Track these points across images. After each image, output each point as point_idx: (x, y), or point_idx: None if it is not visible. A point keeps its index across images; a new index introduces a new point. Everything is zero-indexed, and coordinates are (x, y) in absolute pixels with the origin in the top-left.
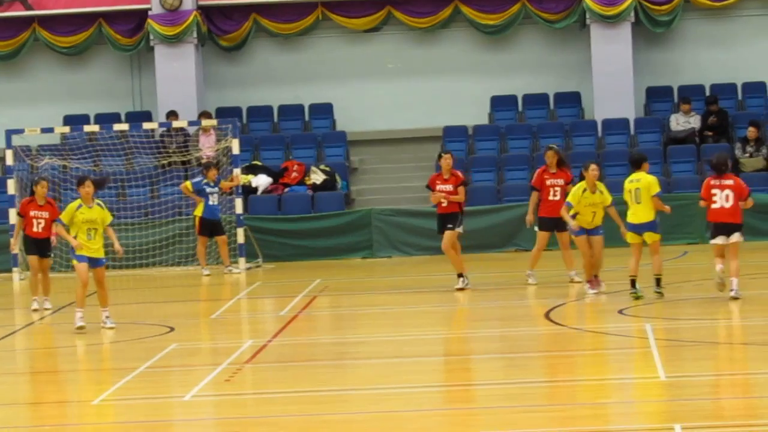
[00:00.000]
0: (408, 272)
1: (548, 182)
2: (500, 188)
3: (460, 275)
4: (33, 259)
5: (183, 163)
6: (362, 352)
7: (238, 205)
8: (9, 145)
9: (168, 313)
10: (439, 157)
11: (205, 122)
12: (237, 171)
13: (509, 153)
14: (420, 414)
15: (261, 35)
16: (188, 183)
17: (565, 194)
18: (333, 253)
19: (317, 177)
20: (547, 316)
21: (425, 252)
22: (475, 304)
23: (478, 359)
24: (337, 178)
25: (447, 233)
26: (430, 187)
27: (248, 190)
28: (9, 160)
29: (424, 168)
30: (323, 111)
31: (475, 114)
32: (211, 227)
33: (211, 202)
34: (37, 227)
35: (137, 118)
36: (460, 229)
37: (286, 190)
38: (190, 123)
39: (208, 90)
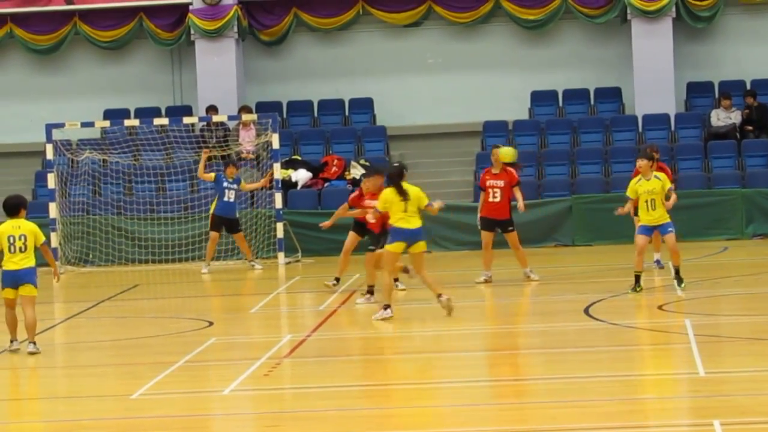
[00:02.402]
0: (447, 267)
1: (488, 183)
2: (540, 183)
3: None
4: None
5: (223, 157)
6: (402, 347)
7: (278, 199)
8: (49, 139)
9: (207, 307)
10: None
11: (245, 117)
12: (276, 166)
13: (549, 148)
14: (460, 409)
15: (301, 30)
16: (213, 174)
17: (507, 196)
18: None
19: (357, 172)
20: (586, 311)
21: (464, 247)
22: (514, 299)
23: (517, 354)
24: None
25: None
26: (353, 206)
27: (288, 185)
28: (49, 154)
29: (463, 163)
30: (363, 105)
31: (515, 109)
32: (225, 224)
33: (226, 198)
34: None
35: (177, 112)
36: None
37: (326, 184)
38: (230, 117)
39: (248, 84)
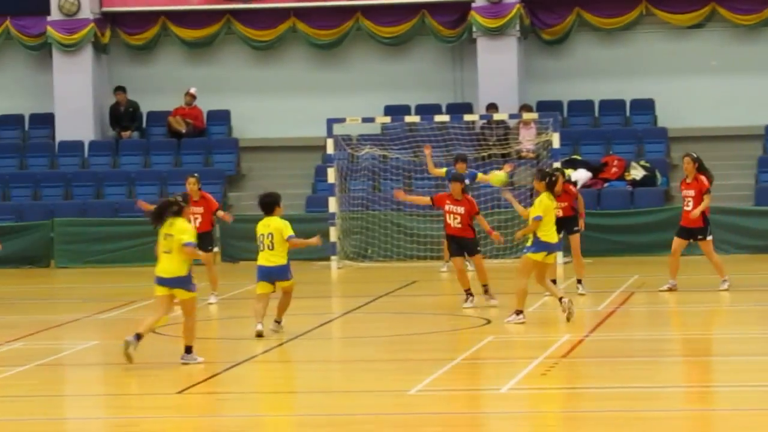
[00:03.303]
0: (727, 270)
1: (683, 192)
2: None
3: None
4: None
5: (503, 155)
6: (679, 349)
7: None
8: (330, 134)
9: (484, 305)
10: (458, 180)
11: (525, 115)
12: (557, 165)
13: None
14: (734, 413)
15: (583, 29)
16: (443, 169)
17: (698, 203)
18: (651, 249)
19: (637, 173)
20: None
21: (745, 250)
22: None
23: None
24: (657, 174)
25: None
26: (437, 204)
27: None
28: (329, 149)
29: (744, 166)
30: (644, 106)
31: None
32: None
33: None
34: (194, 223)
35: (457, 109)
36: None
37: (605, 184)
38: (511, 116)
39: (528, 83)
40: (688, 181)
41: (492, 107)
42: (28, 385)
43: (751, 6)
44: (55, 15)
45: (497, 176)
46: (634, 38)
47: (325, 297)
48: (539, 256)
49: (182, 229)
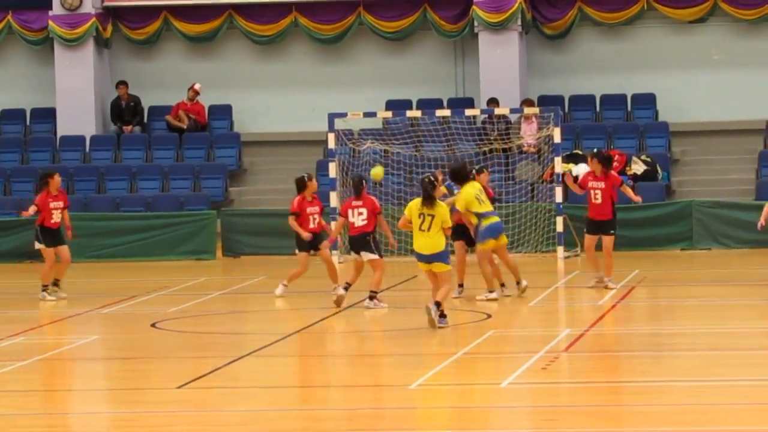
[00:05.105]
0: (728, 265)
1: (590, 184)
2: None
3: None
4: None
5: (504, 150)
6: (680, 344)
7: (558, 193)
8: (331, 129)
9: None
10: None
11: (527, 110)
12: (557, 159)
13: None
14: (738, 407)
15: (585, 24)
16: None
17: (607, 197)
18: (652, 243)
19: (638, 167)
20: None
21: (746, 245)
22: None
23: None
24: (659, 168)
25: None
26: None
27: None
28: (331, 144)
29: (746, 161)
30: (646, 101)
31: None
32: None
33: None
34: (312, 224)
35: (459, 104)
36: None
37: None
38: (512, 110)
39: (530, 78)
40: (597, 174)
41: (493, 102)
42: (29, 379)
43: (753, 1)
44: (57, 9)
45: (376, 171)
46: (635, 33)
47: (327, 291)
48: None
49: (443, 213)
